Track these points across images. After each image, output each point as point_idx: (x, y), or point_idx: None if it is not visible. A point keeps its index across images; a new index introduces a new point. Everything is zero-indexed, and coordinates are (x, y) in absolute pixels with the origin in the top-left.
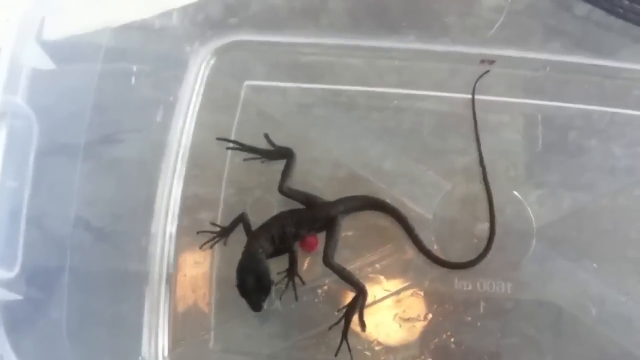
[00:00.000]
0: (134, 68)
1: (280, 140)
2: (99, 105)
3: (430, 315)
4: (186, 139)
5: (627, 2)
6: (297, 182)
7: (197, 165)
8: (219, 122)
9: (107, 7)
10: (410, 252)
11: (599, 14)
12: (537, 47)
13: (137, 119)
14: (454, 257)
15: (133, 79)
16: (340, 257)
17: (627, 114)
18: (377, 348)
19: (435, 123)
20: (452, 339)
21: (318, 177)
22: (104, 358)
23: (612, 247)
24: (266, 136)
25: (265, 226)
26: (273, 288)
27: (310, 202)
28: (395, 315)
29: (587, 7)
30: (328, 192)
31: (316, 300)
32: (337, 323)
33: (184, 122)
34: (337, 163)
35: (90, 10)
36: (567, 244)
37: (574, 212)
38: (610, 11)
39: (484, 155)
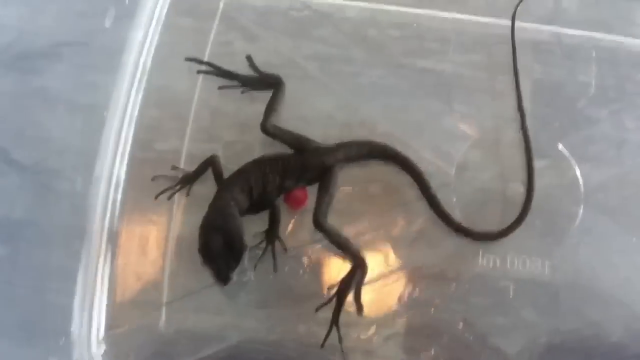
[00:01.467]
0: None
1: None
2: None
3: (443, 299)
4: (145, 56)
5: None
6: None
7: (157, 90)
8: (188, 37)
9: None
10: (423, 217)
11: None
12: None
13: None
14: (478, 224)
15: None
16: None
17: None
18: (374, 338)
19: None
20: (470, 331)
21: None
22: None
23: None
24: (249, 59)
25: (240, 173)
26: (246, 254)
27: (300, 145)
28: (399, 296)
29: None
30: None
31: (301, 271)
32: (326, 303)
33: (145, 32)
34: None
35: None
36: (624, 214)
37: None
38: None
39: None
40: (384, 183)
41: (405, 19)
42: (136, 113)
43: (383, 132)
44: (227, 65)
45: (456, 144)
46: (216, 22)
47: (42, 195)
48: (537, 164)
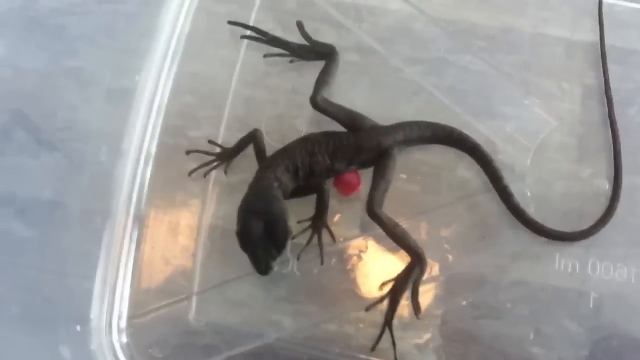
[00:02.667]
0: None
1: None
2: None
3: (513, 307)
4: (184, 21)
5: None
6: None
7: (194, 57)
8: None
9: None
10: (489, 211)
11: None
12: None
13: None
14: (555, 223)
15: None
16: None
17: None
18: (430, 344)
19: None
20: (540, 344)
21: None
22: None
23: None
24: (299, 25)
25: (286, 151)
26: (289, 242)
27: (355, 123)
28: (460, 301)
29: None
30: None
31: (349, 266)
32: (379, 302)
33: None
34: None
35: None
36: None
37: None
38: None
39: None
40: (446, 171)
41: (452, 14)
42: (166, 99)
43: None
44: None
45: (533, 131)
46: (254, 10)
47: (70, 176)
48: (625, 153)
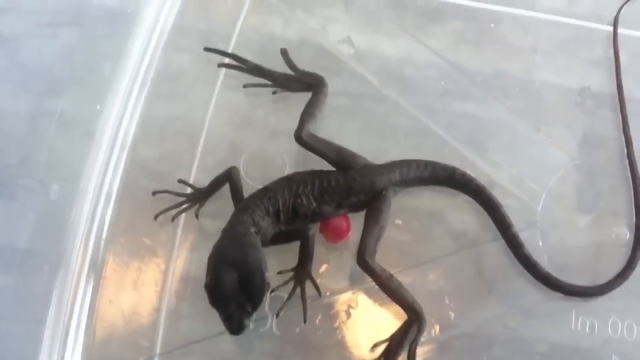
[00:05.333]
0: None
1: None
2: None
3: None
4: (153, 51)
5: None
6: None
7: (165, 87)
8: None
9: None
10: (498, 263)
11: None
12: None
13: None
14: (571, 277)
15: None
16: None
17: None
18: None
19: None
20: None
21: None
22: None
23: None
24: (284, 53)
25: (266, 192)
26: (267, 296)
27: (345, 162)
28: None
29: None
30: None
31: (337, 324)
32: None
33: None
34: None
35: None
36: None
37: None
38: None
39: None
40: (448, 216)
41: (442, 59)
42: (131, 133)
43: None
44: None
45: (544, 173)
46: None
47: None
48: None
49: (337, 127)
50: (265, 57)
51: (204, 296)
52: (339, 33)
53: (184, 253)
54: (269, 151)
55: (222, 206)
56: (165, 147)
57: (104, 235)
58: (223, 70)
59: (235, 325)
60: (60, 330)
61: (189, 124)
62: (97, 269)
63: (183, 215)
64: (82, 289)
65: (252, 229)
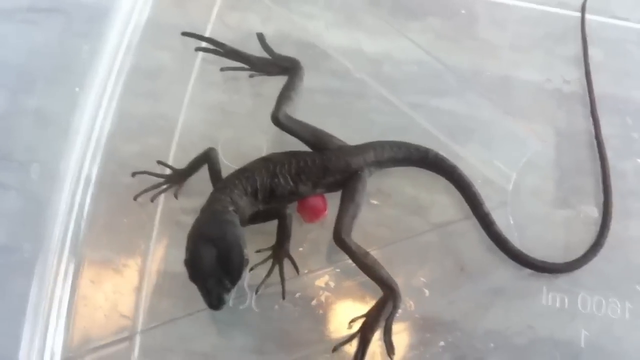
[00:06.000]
0: None
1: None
2: None
3: (497, 347)
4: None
5: None
6: None
7: (142, 71)
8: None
9: None
10: (470, 241)
11: None
12: None
13: None
14: (541, 253)
15: None
16: None
17: None
18: None
19: None
20: None
21: None
22: None
23: None
24: (260, 37)
25: (244, 172)
26: (246, 273)
27: (321, 142)
28: (438, 340)
29: None
30: None
31: (314, 301)
32: (348, 341)
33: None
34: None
35: None
36: None
37: None
38: None
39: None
40: (421, 196)
41: (422, 55)
42: (110, 116)
43: None
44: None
45: (514, 155)
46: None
47: None
48: (615, 174)
49: (317, 123)
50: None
51: (184, 274)
52: (318, 29)
53: (164, 233)
54: (247, 134)
55: (201, 188)
56: (142, 129)
57: (84, 216)
58: (199, 58)
59: (214, 300)
60: (42, 308)
61: (165, 113)
62: (77, 250)
63: (162, 195)
64: (63, 268)
65: (231, 208)
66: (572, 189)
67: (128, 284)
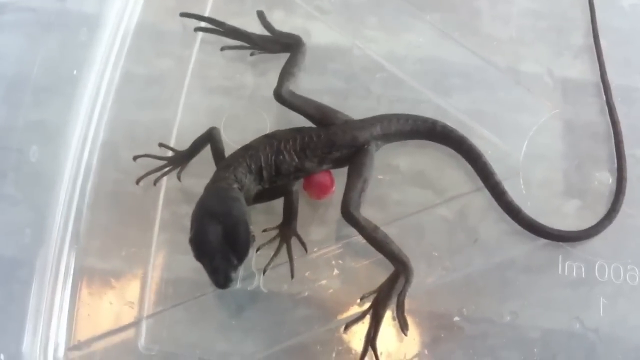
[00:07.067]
0: None
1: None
2: None
3: (514, 319)
4: (131, 11)
5: None
6: None
7: (142, 52)
8: None
9: None
10: (481, 212)
11: None
12: None
13: None
14: (555, 222)
15: None
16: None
17: None
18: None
19: None
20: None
21: None
22: None
23: None
24: (260, 15)
25: (248, 150)
26: (253, 251)
27: (326, 118)
28: (452, 315)
29: None
30: None
31: (324, 279)
32: (360, 319)
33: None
34: None
35: None
36: None
37: None
38: None
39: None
40: (430, 169)
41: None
42: (110, 97)
43: None
44: None
45: (525, 124)
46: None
47: None
48: (629, 142)
49: None
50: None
51: (193, 264)
52: (319, 30)
53: (165, 216)
54: (250, 113)
55: (205, 169)
56: (143, 110)
57: (86, 199)
58: (199, 37)
59: (221, 278)
60: (45, 294)
61: (169, 88)
62: (78, 240)
63: (165, 178)
64: (65, 254)
65: (235, 185)
66: (584, 154)
67: (133, 268)
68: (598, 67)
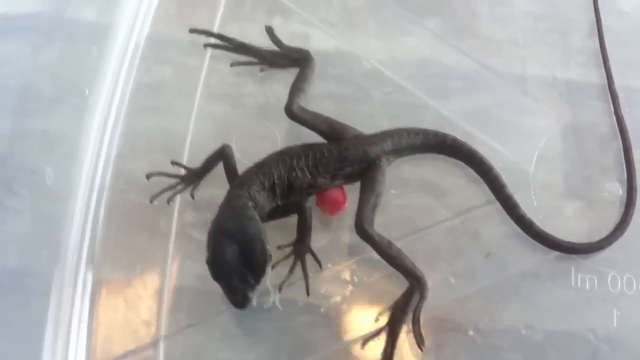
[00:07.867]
0: None
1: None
2: None
3: (529, 332)
4: (142, 22)
5: None
6: None
7: (152, 69)
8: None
9: None
10: (493, 225)
11: None
12: None
13: None
14: (567, 234)
15: None
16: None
17: None
18: None
19: None
20: None
21: None
22: None
23: None
24: (269, 31)
25: (261, 167)
26: (269, 269)
27: (336, 133)
28: (467, 329)
29: None
30: None
31: (339, 295)
32: (376, 335)
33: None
34: None
35: None
36: None
37: None
38: None
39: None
40: (442, 183)
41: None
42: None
43: None
44: None
45: (534, 134)
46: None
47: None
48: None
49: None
50: None
51: (207, 275)
52: (319, 37)
53: (181, 235)
54: (261, 128)
55: (218, 184)
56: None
57: (100, 219)
58: (206, 63)
59: (240, 298)
60: (63, 314)
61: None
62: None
63: (178, 197)
64: (81, 276)
65: (250, 204)
66: (594, 166)
67: (149, 288)
68: (602, 68)
